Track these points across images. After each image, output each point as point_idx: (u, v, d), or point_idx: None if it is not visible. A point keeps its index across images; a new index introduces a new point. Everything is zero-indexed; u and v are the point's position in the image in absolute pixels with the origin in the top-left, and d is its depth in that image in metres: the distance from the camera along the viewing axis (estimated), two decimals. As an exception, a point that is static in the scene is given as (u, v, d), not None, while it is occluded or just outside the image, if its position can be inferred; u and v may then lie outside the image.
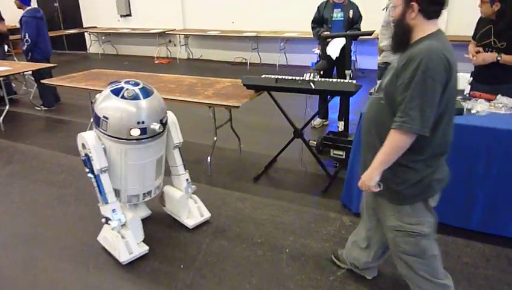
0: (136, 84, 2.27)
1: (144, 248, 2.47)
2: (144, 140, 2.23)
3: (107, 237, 2.47)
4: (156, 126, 2.20)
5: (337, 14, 4.34)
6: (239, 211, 3.02)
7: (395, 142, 1.53)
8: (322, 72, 3.25)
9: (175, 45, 9.84)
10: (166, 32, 9.47)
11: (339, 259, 2.34)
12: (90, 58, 10.56)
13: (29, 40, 5.41)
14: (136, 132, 2.18)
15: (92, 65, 8.69)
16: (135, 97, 2.19)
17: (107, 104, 2.22)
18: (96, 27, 10.71)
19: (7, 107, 5.02)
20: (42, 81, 4.57)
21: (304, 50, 8.01)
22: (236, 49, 9.07)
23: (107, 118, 2.18)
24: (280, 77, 3.13)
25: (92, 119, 2.51)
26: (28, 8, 5.50)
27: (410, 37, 1.58)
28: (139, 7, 10.10)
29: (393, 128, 1.52)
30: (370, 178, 1.63)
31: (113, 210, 2.34)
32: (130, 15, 10.25)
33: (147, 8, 9.89)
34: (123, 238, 2.37)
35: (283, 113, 3.48)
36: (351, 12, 4.31)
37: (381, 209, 1.82)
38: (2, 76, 4.67)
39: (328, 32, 4.23)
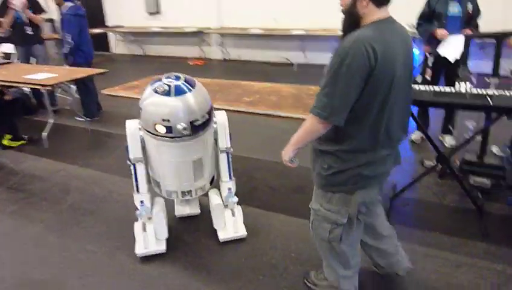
0: (177, 78, 2.20)
1: (161, 247, 2.44)
2: (170, 139, 2.17)
3: (134, 225, 2.53)
4: (180, 127, 2.10)
5: (454, 9, 3.59)
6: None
7: (307, 124, 1.59)
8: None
9: (210, 45, 9.12)
10: (202, 31, 8.75)
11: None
12: (116, 60, 9.84)
13: (72, 42, 4.70)
14: (161, 129, 2.13)
15: (120, 67, 8.03)
16: (166, 93, 2.13)
17: (144, 95, 2.22)
18: (122, 26, 9.98)
19: (51, 120, 4.31)
20: (108, 93, 3.81)
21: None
22: (279, 49, 8.34)
23: (141, 109, 2.21)
24: (439, 89, 2.40)
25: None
26: (70, 4, 4.78)
27: (358, 26, 1.52)
28: (169, 4, 9.37)
29: (309, 111, 1.56)
30: (285, 153, 1.73)
31: (141, 201, 2.42)
32: (159, 12, 9.53)
33: (178, 5, 9.15)
34: (144, 231, 2.43)
35: (424, 133, 2.75)
36: (469, 6, 3.58)
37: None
38: (48, 85, 3.93)
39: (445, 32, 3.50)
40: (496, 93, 2.29)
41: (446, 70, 3.73)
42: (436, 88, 2.44)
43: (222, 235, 2.53)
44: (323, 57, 7.80)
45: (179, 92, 2.15)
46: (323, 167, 1.68)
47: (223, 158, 2.53)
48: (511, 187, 3.00)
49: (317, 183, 1.78)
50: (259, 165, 3.66)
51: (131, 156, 2.37)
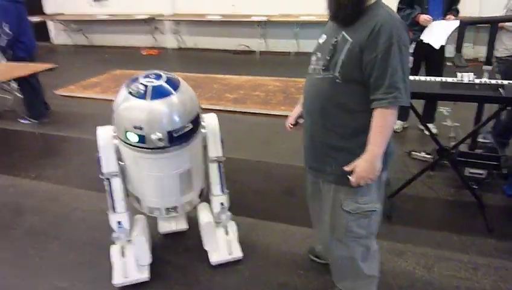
0: (158, 77, 1.86)
1: (143, 275, 2.10)
2: (147, 150, 1.84)
3: (110, 250, 2.16)
4: (155, 137, 1.77)
5: (436, -8, 3.46)
6: (404, 271, 2.12)
7: (390, 121, 1.46)
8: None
9: (163, 33, 8.53)
10: (154, 18, 8.14)
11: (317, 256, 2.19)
12: (57, 51, 8.95)
13: (10, 33, 4.04)
14: (133, 137, 1.81)
15: (64, 60, 7.28)
16: (141, 96, 1.79)
17: (118, 98, 1.88)
18: (62, 14, 9.05)
19: (-9, 126, 3.70)
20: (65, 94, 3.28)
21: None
22: (239, 36, 7.97)
23: (113, 111, 1.88)
24: (446, 79, 2.22)
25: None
26: (3, -11, 4.10)
27: (363, 7, 1.45)
28: (115, -11, 8.62)
29: (382, 106, 1.42)
30: (374, 168, 1.47)
31: (119, 222, 2.07)
32: (105, -2, 8.75)
33: (126, -10, 8.44)
34: (122, 257, 2.10)
35: (426, 128, 2.59)
36: (452, -12, 3.46)
37: (329, 196, 1.68)
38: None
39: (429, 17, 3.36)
40: (506, 83, 2.14)
41: (427, 58, 3.62)
42: (443, 79, 2.26)
43: (214, 258, 2.20)
44: (285, 44, 7.58)
45: (158, 94, 1.81)
46: (353, 160, 1.51)
47: (213, 169, 2.18)
48: (504, 176, 2.96)
49: (342, 182, 1.58)
50: (241, 166, 3.35)
51: (104, 170, 2.00)
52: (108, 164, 2.00)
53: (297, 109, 1.82)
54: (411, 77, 2.44)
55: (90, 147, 3.75)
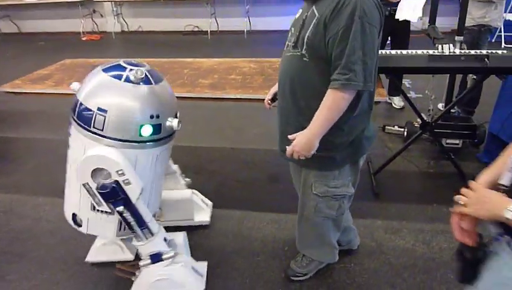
0: (139, 64, 1.55)
1: (204, 264, 1.97)
2: (161, 141, 1.57)
3: (169, 277, 1.71)
4: (172, 122, 1.55)
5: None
6: (404, 249, 2.10)
7: (337, 103, 1.34)
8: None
9: (103, 16, 7.89)
10: (92, 0, 7.49)
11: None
12: (-21, 40, 7.99)
13: None
14: (147, 130, 1.50)
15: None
16: (145, 81, 1.50)
17: (104, 94, 1.48)
18: (-17, -2, 8.05)
19: None
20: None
21: (271, 12, 6.96)
22: (186, 16, 7.58)
23: (104, 111, 1.44)
24: (433, 52, 2.17)
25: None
26: None
27: None
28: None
29: (334, 87, 1.31)
30: (310, 146, 1.41)
31: (165, 239, 1.71)
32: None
33: (56, -30, 7.65)
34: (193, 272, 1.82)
35: (408, 101, 2.55)
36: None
37: (300, 178, 1.68)
38: None
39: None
40: (489, 52, 2.15)
41: (393, 31, 3.59)
42: (430, 52, 2.22)
43: (206, 217, 2.25)
44: (236, 23, 7.32)
45: (157, 77, 1.60)
46: (327, 147, 1.46)
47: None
48: (476, 144, 3.06)
49: (316, 167, 1.57)
50: (217, 155, 3.17)
51: (137, 190, 1.51)
52: (138, 180, 1.51)
53: (274, 89, 1.74)
54: (397, 51, 2.41)
55: (44, 148, 3.43)
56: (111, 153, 1.46)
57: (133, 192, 1.51)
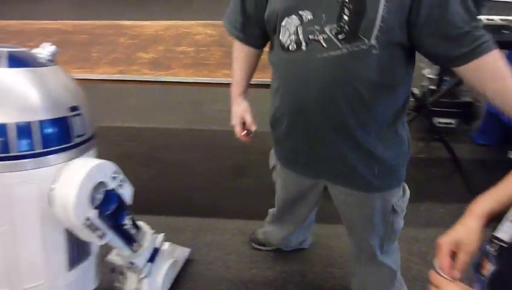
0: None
1: None
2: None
3: None
4: None
5: None
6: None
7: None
8: None
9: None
10: None
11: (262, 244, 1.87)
12: None
13: None
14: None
15: None
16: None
17: None
18: None
19: None
20: None
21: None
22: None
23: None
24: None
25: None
26: None
27: None
28: None
29: (491, 49, 0.90)
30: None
31: (136, 225, 1.39)
32: None
33: None
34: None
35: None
36: None
37: (364, 206, 1.26)
38: None
39: None
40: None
41: None
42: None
43: None
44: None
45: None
46: (391, 163, 1.16)
47: None
48: (468, 123, 2.71)
49: (392, 184, 1.22)
50: (171, 138, 2.66)
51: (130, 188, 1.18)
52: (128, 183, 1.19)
53: (241, 110, 1.27)
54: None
55: None
56: (91, 160, 1.05)
57: (127, 192, 1.17)
